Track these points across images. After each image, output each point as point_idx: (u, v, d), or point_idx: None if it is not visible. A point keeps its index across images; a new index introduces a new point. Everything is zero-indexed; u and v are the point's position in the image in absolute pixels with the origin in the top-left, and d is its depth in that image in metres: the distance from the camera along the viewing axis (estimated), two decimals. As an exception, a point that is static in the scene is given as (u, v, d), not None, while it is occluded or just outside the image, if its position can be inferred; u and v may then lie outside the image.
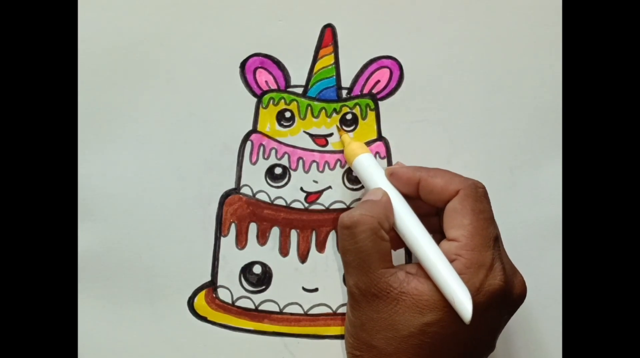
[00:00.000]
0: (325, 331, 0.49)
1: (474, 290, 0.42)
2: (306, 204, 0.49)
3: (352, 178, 0.50)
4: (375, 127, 0.50)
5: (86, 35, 0.48)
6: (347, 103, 0.50)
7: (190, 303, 0.49)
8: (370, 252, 0.43)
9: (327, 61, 0.49)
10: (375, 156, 0.49)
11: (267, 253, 0.49)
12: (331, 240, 0.49)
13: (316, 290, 0.49)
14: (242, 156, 0.49)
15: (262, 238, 0.49)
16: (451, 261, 0.43)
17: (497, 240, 0.44)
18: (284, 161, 0.49)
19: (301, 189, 0.49)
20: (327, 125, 0.49)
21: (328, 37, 0.49)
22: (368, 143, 0.49)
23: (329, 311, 0.49)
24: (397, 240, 0.45)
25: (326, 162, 0.49)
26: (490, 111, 0.50)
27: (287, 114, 0.49)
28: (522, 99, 0.50)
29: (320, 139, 0.50)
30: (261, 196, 0.49)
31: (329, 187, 0.49)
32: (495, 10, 0.50)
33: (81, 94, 0.48)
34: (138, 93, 0.49)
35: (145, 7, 0.48)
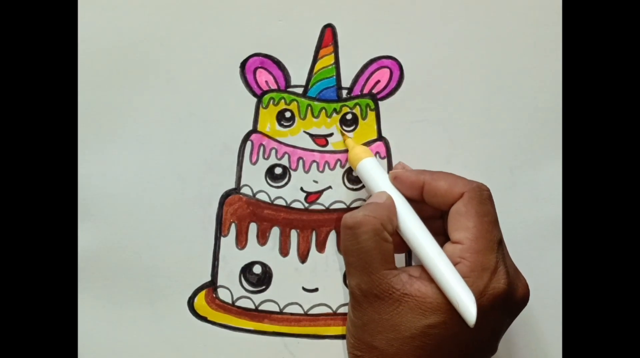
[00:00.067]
0: (325, 331, 0.49)
1: (478, 293, 0.42)
2: (306, 204, 0.49)
3: (352, 178, 0.50)
4: (375, 127, 0.50)
5: (86, 35, 0.48)
6: (347, 103, 0.50)
7: (190, 303, 0.49)
8: (373, 253, 0.43)
9: (327, 61, 0.49)
10: (375, 156, 0.49)
11: (267, 253, 0.49)
12: (331, 240, 0.49)
13: (316, 290, 0.49)
14: (242, 156, 0.49)
15: (262, 238, 0.49)
16: (455, 264, 0.43)
17: (501, 243, 0.44)
18: (284, 161, 0.49)
19: (301, 189, 0.49)
20: (327, 125, 0.49)
21: (328, 37, 0.49)
22: (368, 143, 0.49)
23: (329, 311, 0.49)
24: (401, 244, 0.45)
25: (326, 162, 0.49)
26: (490, 111, 0.50)
27: (287, 114, 0.49)
28: (522, 99, 0.50)
29: (321, 139, 0.50)
30: (261, 196, 0.49)
31: (329, 187, 0.49)
32: (495, 10, 0.50)
33: (81, 94, 0.48)
34: (138, 93, 0.49)
35: (145, 7, 0.48)
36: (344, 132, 0.49)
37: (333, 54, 0.49)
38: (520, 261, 0.46)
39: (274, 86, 0.49)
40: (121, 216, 0.49)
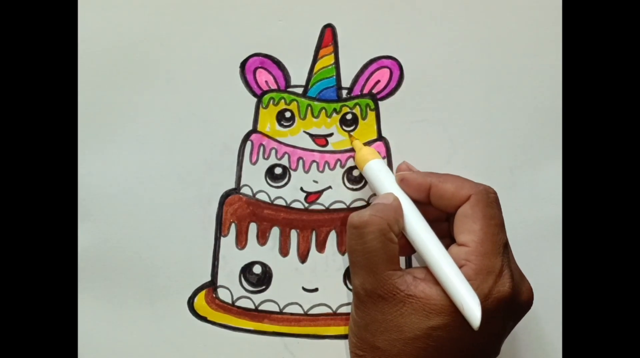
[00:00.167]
0: (325, 331, 0.49)
1: (483, 296, 0.42)
2: (306, 204, 0.49)
3: (352, 178, 0.50)
4: (375, 127, 0.50)
5: (86, 35, 0.48)
6: (347, 103, 0.50)
7: (190, 303, 0.49)
8: (378, 253, 0.43)
9: (327, 61, 0.49)
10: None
11: (267, 253, 0.49)
12: (331, 240, 0.49)
13: (316, 290, 0.49)
14: (242, 156, 0.49)
15: (262, 238, 0.49)
16: (460, 266, 0.43)
17: (506, 246, 0.44)
18: (284, 161, 0.49)
19: (301, 189, 0.49)
20: (327, 125, 0.49)
21: (328, 37, 0.49)
22: (368, 143, 0.49)
23: (329, 311, 0.49)
24: (406, 246, 0.45)
25: (326, 162, 0.49)
26: (490, 111, 0.50)
27: (287, 114, 0.49)
28: (522, 99, 0.50)
29: (320, 139, 0.50)
30: (261, 196, 0.49)
31: (329, 187, 0.49)
32: (495, 10, 0.50)
33: (81, 94, 0.48)
34: (138, 93, 0.49)
35: (145, 7, 0.48)
36: (350, 134, 0.49)
37: (333, 54, 0.49)
38: (520, 261, 0.46)
39: (274, 86, 0.49)
40: (121, 216, 0.49)
